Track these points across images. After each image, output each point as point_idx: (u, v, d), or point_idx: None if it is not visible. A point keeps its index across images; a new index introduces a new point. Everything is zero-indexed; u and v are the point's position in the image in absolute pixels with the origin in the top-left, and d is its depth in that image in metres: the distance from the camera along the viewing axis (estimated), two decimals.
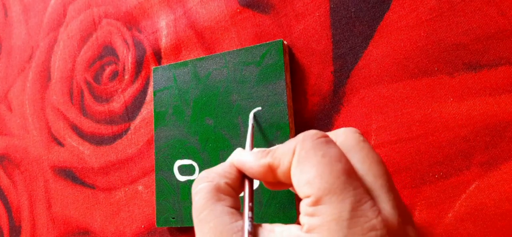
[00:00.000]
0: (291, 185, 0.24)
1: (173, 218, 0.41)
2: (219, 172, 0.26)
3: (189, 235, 0.42)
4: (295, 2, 0.40)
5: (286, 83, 0.37)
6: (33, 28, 0.57)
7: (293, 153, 0.22)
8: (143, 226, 0.45)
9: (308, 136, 0.22)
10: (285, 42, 0.39)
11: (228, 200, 0.24)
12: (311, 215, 0.21)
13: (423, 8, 0.35)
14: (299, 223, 0.22)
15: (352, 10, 0.37)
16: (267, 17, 0.41)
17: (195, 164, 0.40)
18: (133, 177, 0.47)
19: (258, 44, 0.39)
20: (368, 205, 0.20)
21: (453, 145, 0.33)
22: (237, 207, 0.25)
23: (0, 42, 0.60)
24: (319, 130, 0.37)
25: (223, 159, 0.39)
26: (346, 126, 0.37)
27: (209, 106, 0.40)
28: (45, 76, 0.55)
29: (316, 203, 0.20)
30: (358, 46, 0.37)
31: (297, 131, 0.38)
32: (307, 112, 0.38)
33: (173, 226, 0.42)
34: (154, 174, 0.43)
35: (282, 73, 0.37)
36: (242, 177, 0.26)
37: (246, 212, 0.24)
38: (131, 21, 0.49)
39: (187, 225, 0.40)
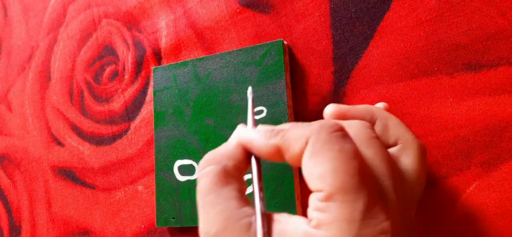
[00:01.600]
0: (297, 167, 0.23)
1: (173, 218, 0.41)
2: (226, 154, 0.24)
3: (189, 235, 0.42)
4: (295, 2, 0.40)
5: (286, 83, 0.37)
6: (33, 28, 0.57)
7: (307, 142, 0.21)
8: (143, 226, 0.45)
9: (325, 127, 0.21)
10: (285, 42, 0.39)
11: (235, 184, 0.23)
12: (322, 210, 0.20)
13: (423, 8, 0.35)
14: (306, 216, 0.22)
15: (352, 10, 0.37)
16: (267, 17, 0.41)
17: (195, 164, 0.40)
18: (133, 177, 0.47)
19: (258, 44, 0.39)
20: (380, 207, 0.20)
21: (453, 145, 0.33)
22: (244, 190, 0.24)
23: (0, 42, 0.60)
24: None
25: None
26: None
27: (209, 106, 0.40)
28: (45, 76, 0.55)
29: (328, 199, 0.20)
30: (358, 46, 0.37)
31: None
32: (307, 112, 0.38)
33: (173, 226, 0.42)
34: (154, 174, 0.43)
35: (282, 73, 0.37)
36: (247, 156, 0.25)
37: (257, 193, 0.23)
38: (131, 21, 0.49)
39: (187, 225, 0.40)
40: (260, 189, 0.23)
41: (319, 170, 0.20)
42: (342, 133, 0.21)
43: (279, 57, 0.38)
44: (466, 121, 0.33)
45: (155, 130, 0.43)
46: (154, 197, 0.45)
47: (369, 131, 0.24)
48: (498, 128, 0.32)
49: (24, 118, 0.56)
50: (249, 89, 0.32)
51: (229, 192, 0.23)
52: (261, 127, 0.25)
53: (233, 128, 0.39)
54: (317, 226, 0.20)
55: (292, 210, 0.35)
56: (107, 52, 0.51)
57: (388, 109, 0.31)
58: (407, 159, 0.25)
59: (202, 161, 0.24)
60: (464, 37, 0.33)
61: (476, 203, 0.32)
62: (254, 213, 0.22)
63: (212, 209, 0.22)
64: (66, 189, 0.51)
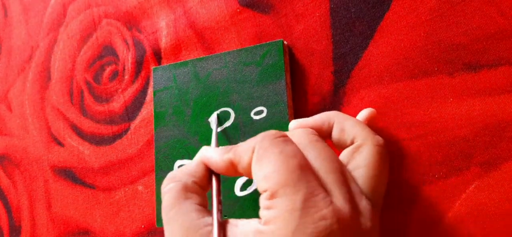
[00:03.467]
0: (250, 177, 0.26)
1: None
2: (186, 172, 0.27)
3: None
4: (295, 2, 0.40)
5: (286, 83, 0.37)
6: (33, 28, 0.57)
7: (253, 151, 0.24)
8: (143, 226, 0.45)
9: (267, 136, 0.24)
10: (285, 42, 0.39)
11: (195, 198, 0.26)
12: (268, 208, 0.22)
13: (423, 8, 0.35)
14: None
15: (352, 10, 0.37)
16: (267, 17, 0.41)
17: None
18: (133, 177, 0.47)
19: (258, 44, 0.39)
20: (320, 197, 0.21)
21: (453, 145, 0.33)
22: (205, 204, 0.26)
23: (0, 42, 0.60)
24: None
25: None
26: None
27: (209, 106, 0.40)
28: (45, 76, 0.55)
29: (272, 196, 0.22)
30: (358, 46, 0.37)
31: None
32: (307, 112, 0.38)
33: None
34: (154, 174, 0.43)
35: (282, 73, 0.37)
36: (209, 173, 0.28)
37: (215, 205, 0.25)
38: (131, 21, 0.49)
39: None
40: (219, 202, 0.26)
41: (263, 172, 0.23)
42: (283, 139, 0.24)
43: (279, 57, 0.38)
44: (466, 121, 0.33)
45: (155, 130, 0.43)
46: (154, 197, 0.45)
47: (310, 136, 0.26)
48: (498, 128, 0.32)
49: (24, 118, 0.56)
50: (214, 115, 0.38)
51: (190, 205, 0.25)
52: (219, 147, 0.28)
53: (233, 128, 0.39)
54: (266, 223, 0.22)
55: None
56: (107, 52, 0.51)
57: (374, 115, 0.33)
58: (361, 156, 0.27)
59: (165, 179, 0.27)
60: (464, 37, 0.33)
61: (476, 203, 0.32)
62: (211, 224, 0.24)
63: (175, 222, 0.24)
64: (66, 189, 0.51)
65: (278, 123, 0.37)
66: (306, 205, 0.21)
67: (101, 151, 0.49)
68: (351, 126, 0.29)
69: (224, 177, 0.38)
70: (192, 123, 0.41)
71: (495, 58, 0.32)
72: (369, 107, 0.36)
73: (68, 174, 0.51)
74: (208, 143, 0.40)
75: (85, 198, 0.50)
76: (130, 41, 0.49)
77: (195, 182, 0.26)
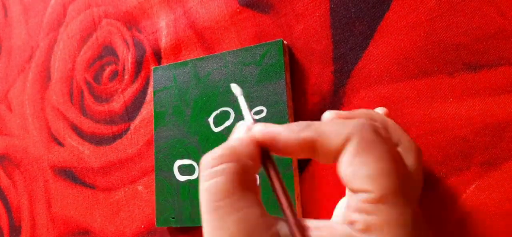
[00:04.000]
0: (325, 162, 0.21)
1: (173, 218, 0.41)
2: (244, 151, 0.21)
3: (189, 235, 0.42)
4: (295, 2, 0.40)
5: (286, 83, 0.37)
6: (33, 28, 0.57)
7: (347, 139, 0.20)
8: (143, 226, 0.45)
9: (369, 127, 0.20)
10: (285, 42, 0.39)
11: (255, 187, 0.21)
12: (369, 213, 0.19)
13: (423, 8, 0.35)
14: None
15: (352, 10, 0.37)
16: (267, 17, 0.41)
17: (195, 164, 0.40)
18: (133, 177, 0.47)
19: (258, 44, 0.39)
20: (421, 216, 0.19)
21: (453, 145, 0.33)
22: (260, 195, 0.21)
23: (0, 42, 0.60)
24: None
25: None
26: None
27: (209, 106, 0.40)
28: (45, 76, 0.55)
29: (378, 201, 0.18)
30: (358, 46, 0.37)
31: None
32: (307, 112, 0.38)
33: (173, 226, 0.42)
34: (154, 174, 0.43)
35: (282, 73, 0.37)
36: (261, 157, 0.22)
37: (285, 202, 0.20)
38: (131, 21, 0.49)
39: (187, 225, 0.40)
40: (287, 197, 0.21)
41: (367, 171, 0.19)
42: (386, 136, 0.20)
43: (279, 57, 0.38)
44: (466, 121, 0.33)
45: (155, 130, 0.43)
46: (154, 197, 0.45)
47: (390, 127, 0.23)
48: (498, 128, 0.32)
49: (24, 118, 0.56)
50: (234, 87, 0.28)
51: (251, 196, 0.20)
52: (267, 124, 0.22)
53: (233, 128, 0.39)
54: (365, 230, 0.19)
55: None
56: (107, 52, 0.51)
57: (388, 114, 0.31)
58: (408, 161, 0.26)
59: (212, 157, 0.20)
60: (464, 37, 0.33)
61: (476, 203, 0.32)
62: (277, 223, 0.20)
63: (228, 215, 0.19)
64: (66, 189, 0.51)
65: (277, 123, 0.37)
66: (414, 224, 0.18)
67: (101, 151, 0.49)
68: (395, 128, 0.27)
69: None
70: (192, 123, 0.41)
71: (495, 58, 0.32)
72: (369, 107, 0.36)
73: (68, 174, 0.51)
74: (208, 142, 0.40)
75: (85, 198, 0.50)
76: (130, 41, 0.49)
77: (253, 166, 0.21)
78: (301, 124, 0.21)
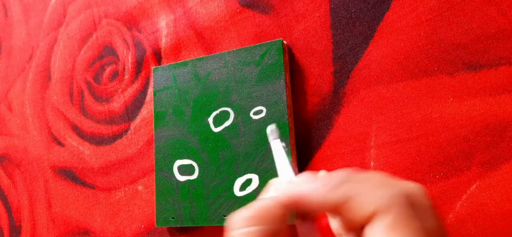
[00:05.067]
0: (347, 228, 0.20)
1: (173, 218, 0.41)
2: (271, 214, 0.20)
3: (189, 235, 0.42)
4: (295, 2, 0.40)
5: (286, 83, 0.37)
6: (33, 28, 0.57)
7: (378, 209, 0.18)
8: (143, 226, 0.45)
9: (404, 197, 0.18)
10: (284, 42, 0.39)
11: None
12: None
13: (423, 8, 0.35)
14: None
15: (352, 11, 0.37)
16: (267, 17, 0.41)
17: (195, 164, 0.40)
18: (133, 177, 0.47)
19: (257, 44, 0.39)
20: None
21: (453, 145, 0.33)
22: None
23: (0, 42, 0.60)
24: (319, 130, 0.37)
25: (223, 159, 0.39)
26: (346, 126, 0.37)
27: (209, 105, 0.40)
28: (45, 76, 0.55)
29: None
30: (358, 46, 0.37)
31: (297, 131, 0.38)
32: (307, 113, 0.38)
33: (173, 226, 0.42)
34: (154, 174, 0.43)
35: (281, 72, 0.37)
36: (286, 217, 0.21)
37: None
38: (131, 21, 0.49)
39: (186, 225, 0.40)
40: None
41: None
42: (421, 203, 0.19)
43: (279, 57, 0.37)
44: (467, 121, 0.33)
45: (155, 130, 0.43)
46: (154, 197, 0.45)
47: (428, 200, 0.20)
48: (498, 128, 0.32)
49: (24, 118, 0.56)
50: (272, 127, 0.26)
51: None
52: (305, 176, 0.21)
53: (233, 128, 0.39)
54: None
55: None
56: (107, 52, 0.51)
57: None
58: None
59: (240, 217, 0.20)
60: (464, 37, 0.33)
61: (477, 203, 0.32)
62: None
63: None
64: (66, 189, 0.51)
65: (277, 123, 0.37)
66: None
67: (101, 151, 0.49)
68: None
69: (223, 176, 0.38)
70: (192, 123, 0.41)
71: (495, 58, 0.32)
72: (369, 107, 0.36)
73: (68, 174, 0.51)
74: (208, 142, 0.40)
75: (85, 198, 0.50)
76: (130, 41, 0.49)
77: (277, 232, 0.20)
78: (330, 182, 0.19)
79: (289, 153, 0.26)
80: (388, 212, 0.18)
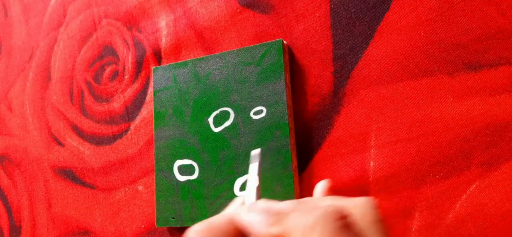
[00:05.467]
0: None
1: (173, 218, 0.41)
2: (221, 231, 0.23)
3: None
4: (295, 2, 0.40)
5: (286, 83, 0.37)
6: (33, 28, 0.57)
7: (307, 232, 0.20)
8: (143, 226, 0.45)
9: (330, 217, 0.20)
10: (285, 42, 0.39)
11: None
12: None
13: (423, 8, 0.35)
14: None
15: (352, 11, 0.37)
16: (267, 17, 0.41)
17: (195, 164, 0.40)
18: (133, 177, 0.47)
19: (258, 44, 0.39)
20: None
21: (453, 145, 0.33)
22: None
23: (0, 42, 0.60)
24: (319, 130, 0.37)
25: (223, 159, 0.39)
26: (346, 126, 0.37)
27: (209, 106, 0.40)
28: (45, 76, 0.55)
29: None
30: (358, 46, 0.37)
31: (297, 131, 0.38)
32: (307, 113, 0.38)
33: (173, 226, 0.42)
34: (154, 174, 0.43)
35: (281, 73, 0.37)
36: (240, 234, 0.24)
37: None
38: (131, 21, 0.49)
39: (186, 225, 0.40)
40: None
41: None
42: (346, 223, 0.20)
43: (279, 57, 0.38)
44: (466, 121, 0.33)
45: (155, 130, 0.43)
46: (154, 197, 0.45)
47: (374, 214, 0.23)
48: (498, 128, 0.32)
49: (24, 118, 0.56)
50: (256, 153, 0.30)
51: None
52: (262, 205, 0.24)
53: (232, 128, 0.39)
54: None
55: None
56: (107, 52, 0.51)
57: (336, 180, 0.30)
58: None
59: (194, 229, 0.22)
60: (464, 37, 0.33)
61: (477, 203, 0.32)
62: None
63: None
64: (66, 189, 0.51)
65: (277, 123, 0.37)
66: None
67: (101, 151, 0.49)
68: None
69: (224, 176, 0.38)
70: (192, 123, 0.41)
71: (495, 58, 0.32)
72: (369, 107, 0.36)
73: (68, 174, 0.51)
74: (208, 142, 0.40)
75: (85, 198, 0.50)
76: (130, 41, 0.49)
77: None
78: (273, 216, 0.22)
79: (260, 179, 0.30)
80: (311, 234, 0.20)
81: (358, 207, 0.23)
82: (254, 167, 0.28)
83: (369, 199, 0.23)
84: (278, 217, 0.22)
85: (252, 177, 0.28)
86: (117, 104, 0.49)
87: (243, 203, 0.26)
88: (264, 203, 0.24)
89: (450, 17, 0.34)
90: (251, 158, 0.29)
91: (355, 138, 0.36)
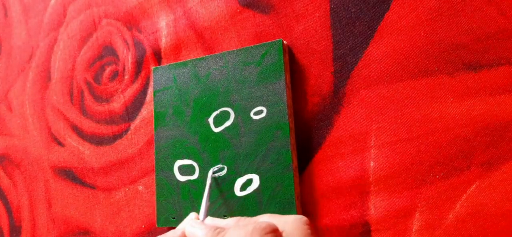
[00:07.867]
0: None
1: (173, 218, 0.41)
2: None
3: None
4: (295, 2, 0.40)
5: (286, 83, 0.37)
6: (33, 28, 0.57)
7: None
8: (143, 226, 0.45)
9: (257, 230, 0.24)
10: (285, 42, 0.39)
11: None
12: None
13: (423, 8, 0.35)
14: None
15: (352, 11, 0.37)
16: (267, 17, 0.41)
17: (195, 164, 0.40)
18: (133, 177, 0.47)
19: (258, 44, 0.39)
20: None
21: (453, 145, 0.33)
22: None
23: (0, 42, 0.60)
24: (319, 130, 0.37)
25: (223, 159, 0.39)
26: (346, 126, 0.37)
27: (209, 106, 0.40)
28: (45, 76, 0.55)
29: None
30: (358, 46, 0.37)
31: (297, 131, 0.38)
32: (307, 113, 0.38)
33: (173, 226, 0.42)
34: (154, 174, 0.43)
35: (281, 73, 0.37)
36: None
37: None
38: (131, 21, 0.49)
39: None
40: None
41: None
42: (274, 235, 0.24)
43: (279, 57, 0.38)
44: (467, 121, 0.33)
45: (155, 130, 0.43)
46: (154, 197, 0.45)
47: (305, 229, 0.25)
48: (498, 128, 0.32)
49: (24, 118, 0.56)
50: (210, 173, 0.38)
51: None
52: (209, 222, 0.30)
53: (233, 128, 0.39)
54: None
55: (291, 211, 0.35)
56: (107, 52, 0.51)
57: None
58: None
59: None
60: (464, 37, 0.33)
61: (477, 203, 0.32)
62: None
63: None
64: (66, 189, 0.51)
65: (277, 123, 0.37)
66: None
67: (101, 151, 0.49)
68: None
69: (224, 177, 0.38)
70: (192, 123, 0.41)
71: (495, 58, 0.32)
72: (369, 107, 0.36)
73: (68, 174, 0.51)
74: (208, 142, 0.40)
75: (85, 198, 0.50)
76: (130, 41, 0.49)
77: None
78: (216, 230, 0.27)
79: (211, 193, 0.38)
80: None
81: (289, 223, 0.26)
82: (207, 186, 0.36)
83: (301, 217, 0.26)
84: (218, 231, 0.27)
85: (206, 192, 0.35)
86: (117, 104, 0.49)
87: (196, 218, 0.33)
88: (210, 220, 0.31)
89: (450, 17, 0.34)
90: (210, 174, 0.37)
91: (355, 138, 0.36)
